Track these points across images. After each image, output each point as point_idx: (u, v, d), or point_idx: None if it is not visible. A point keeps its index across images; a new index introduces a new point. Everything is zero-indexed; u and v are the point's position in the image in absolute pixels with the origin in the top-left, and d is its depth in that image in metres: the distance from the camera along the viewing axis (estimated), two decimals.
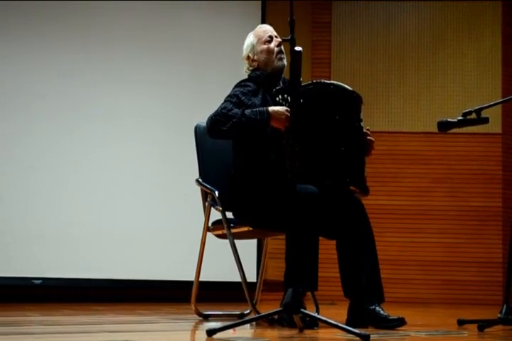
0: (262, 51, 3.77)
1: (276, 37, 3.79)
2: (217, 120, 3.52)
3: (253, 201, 3.59)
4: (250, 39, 3.83)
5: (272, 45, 3.75)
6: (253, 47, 3.79)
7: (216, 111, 3.55)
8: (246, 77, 3.82)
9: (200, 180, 3.93)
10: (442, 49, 6.94)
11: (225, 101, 3.60)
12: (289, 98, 3.49)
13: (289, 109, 3.40)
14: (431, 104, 6.88)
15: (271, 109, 3.48)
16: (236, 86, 3.70)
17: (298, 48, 3.15)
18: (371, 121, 6.51)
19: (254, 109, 3.50)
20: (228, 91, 3.70)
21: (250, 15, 6.39)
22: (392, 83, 6.92)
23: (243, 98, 3.60)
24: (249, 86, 3.67)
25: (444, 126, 3.63)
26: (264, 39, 3.78)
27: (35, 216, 5.53)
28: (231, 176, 3.72)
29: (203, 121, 4.07)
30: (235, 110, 3.51)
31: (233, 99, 3.59)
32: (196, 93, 6.11)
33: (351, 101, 3.61)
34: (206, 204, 3.89)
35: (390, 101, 6.90)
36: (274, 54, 3.74)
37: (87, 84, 5.82)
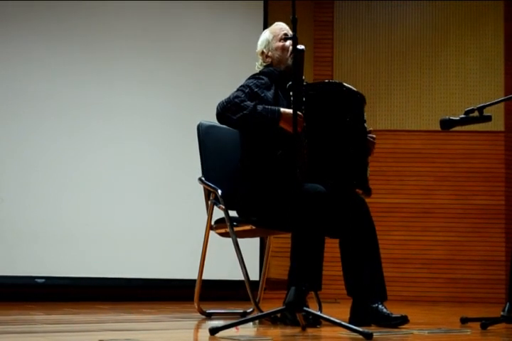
0: (276, 48, 3.78)
1: None
2: (228, 108, 3.53)
3: (259, 198, 3.59)
4: (266, 35, 3.84)
5: (287, 43, 3.75)
6: (268, 43, 3.80)
7: (229, 99, 3.55)
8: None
9: (203, 178, 3.93)
10: (445, 47, 6.94)
11: (238, 90, 3.60)
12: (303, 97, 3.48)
13: (300, 114, 3.40)
14: (433, 103, 6.87)
15: (283, 110, 3.48)
16: (250, 78, 3.71)
17: (300, 47, 3.15)
18: (374, 120, 6.51)
19: (267, 106, 3.51)
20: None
21: (252, 14, 6.39)
22: (395, 81, 6.91)
23: (256, 90, 3.61)
24: (263, 79, 3.67)
25: (446, 124, 3.63)
26: (279, 36, 3.79)
27: (38, 215, 5.53)
28: (238, 170, 3.71)
29: (205, 119, 4.09)
30: (248, 102, 3.51)
31: (246, 89, 3.59)
32: (199, 92, 6.11)
33: (360, 103, 3.62)
34: (209, 202, 3.89)
35: (393, 100, 6.89)
36: (289, 52, 3.73)
37: (89, 83, 5.81)
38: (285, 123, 3.44)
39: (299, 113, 3.37)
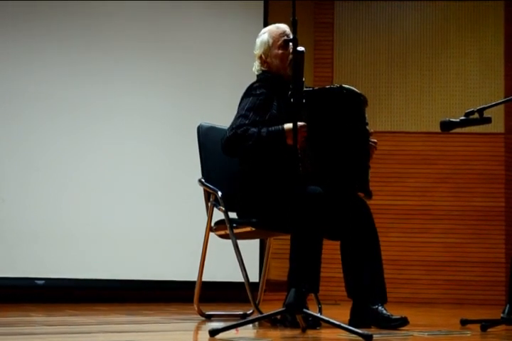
0: (276, 56, 3.68)
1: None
2: (233, 142, 3.49)
3: (258, 199, 3.58)
4: (265, 38, 3.72)
5: (287, 51, 3.63)
6: (268, 48, 3.69)
7: (231, 131, 3.49)
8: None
9: (203, 180, 3.92)
10: (444, 49, 6.94)
11: (240, 116, 3.53)
12: (303, 100, 3.43)
13: (304, 124, 3.38)
14: (433, 104, 6.87)
15: (286, 126, 3.41)
16: (250, 94, 3.61)
17: (300, 48, 3.14)
18: (374, 121, 6.51)
19: (271, 129, 3.44)
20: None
21: (252, 15, 6.39)
22: (395, 83, 6.92)
23: (260, 112, 3.53)
24: (263, 94, 3.58)
25: (446, 126, 3.62)
26: (279, 43, 3.67)
27: (38, 216, 5.53)
28: (238, 171, 3.70)
29: (205, 121, 4.09)
30: (251, 130, 3.46)
31: (250, 113, 3.53)
32: (199, 93, 6.11)
33: (362, 105, 3.60)
34: (209, 204, 3.89)
35: (393, 101, 6.89)
36: (288, 61, 3.62)
37: (89, 84, 5.81)
38: (291, 140, 3.36)
39: (302, 124, 3.36)
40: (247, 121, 3.49)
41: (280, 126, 3.44)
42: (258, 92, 3.60)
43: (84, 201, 5.68)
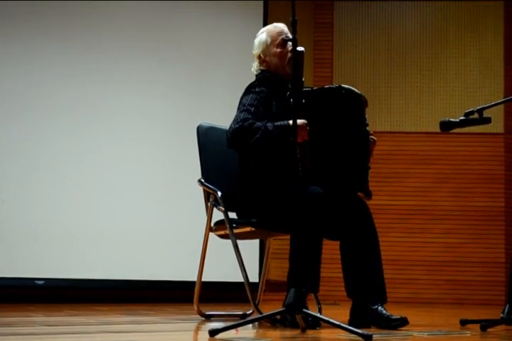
0: (274, 54, 3.68)
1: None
2: (239, 134, 3.47)
3: (258, 199, 3.58)
4: (263, 38, 3.72)
5: (285, 50, 3.64)
6: (266, 47, 3.69)
7: (237, 124, 3.48)
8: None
9: (203, 180, 3.92)
10: (444, 49, 6.94)
11: (244, 110, 3.52)
12: (303, 100, 3.42)
13: (305, 121, 3.38)
14: (433, 104, 6.87)
15: (292, 122, 3.43)
16: (249, 92, 3.61)
17: (300, 48, 3.14)
18: (373, 122, 6.51)
19: (277, 124, 3.44)
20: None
21: (252, 15, 6.39)
22: (394, 83, 6.92)
23: (261, 108, 3.53)
24: (263, 91, 3.58)
25: (446, 126, 3.62)
26: (277, 42, 3.67)
27: (38, 216, 5.53)
28: (238, 171, 3.69)
29: (205, 121, 4.09)
30: (257, 124, 3.45)
31: (252, 108, 3.52)
32: (198, 93, 6.11)
33: (361, 106, 3.60)
34: (209, 204, 3.89)
35: (392, 102, 6.89)
36: (287, 60, 3.62)
37: (89, 84, 5.81)
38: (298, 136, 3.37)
39: (305, 122, 3.37)
40: (250, 116, 3.49)
41: (286, 121, 3.44)
42: (258, 90, 3.60)
43: (84, 201, 5.68)
